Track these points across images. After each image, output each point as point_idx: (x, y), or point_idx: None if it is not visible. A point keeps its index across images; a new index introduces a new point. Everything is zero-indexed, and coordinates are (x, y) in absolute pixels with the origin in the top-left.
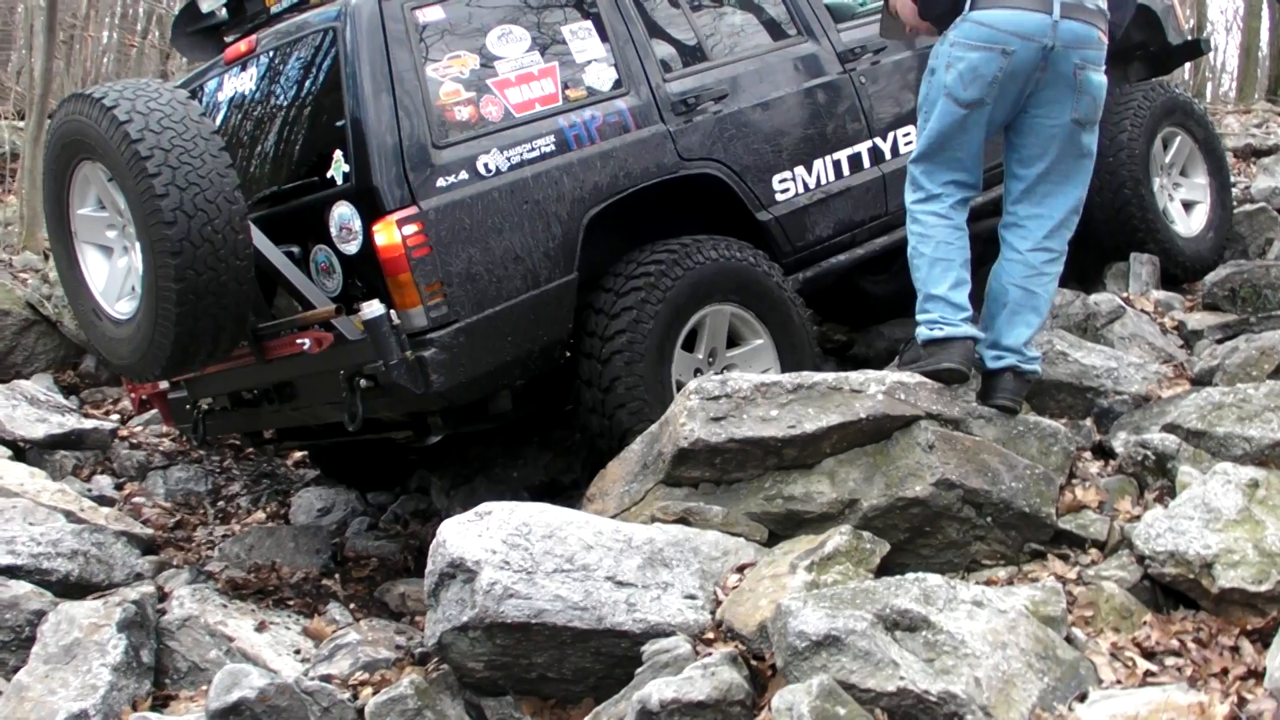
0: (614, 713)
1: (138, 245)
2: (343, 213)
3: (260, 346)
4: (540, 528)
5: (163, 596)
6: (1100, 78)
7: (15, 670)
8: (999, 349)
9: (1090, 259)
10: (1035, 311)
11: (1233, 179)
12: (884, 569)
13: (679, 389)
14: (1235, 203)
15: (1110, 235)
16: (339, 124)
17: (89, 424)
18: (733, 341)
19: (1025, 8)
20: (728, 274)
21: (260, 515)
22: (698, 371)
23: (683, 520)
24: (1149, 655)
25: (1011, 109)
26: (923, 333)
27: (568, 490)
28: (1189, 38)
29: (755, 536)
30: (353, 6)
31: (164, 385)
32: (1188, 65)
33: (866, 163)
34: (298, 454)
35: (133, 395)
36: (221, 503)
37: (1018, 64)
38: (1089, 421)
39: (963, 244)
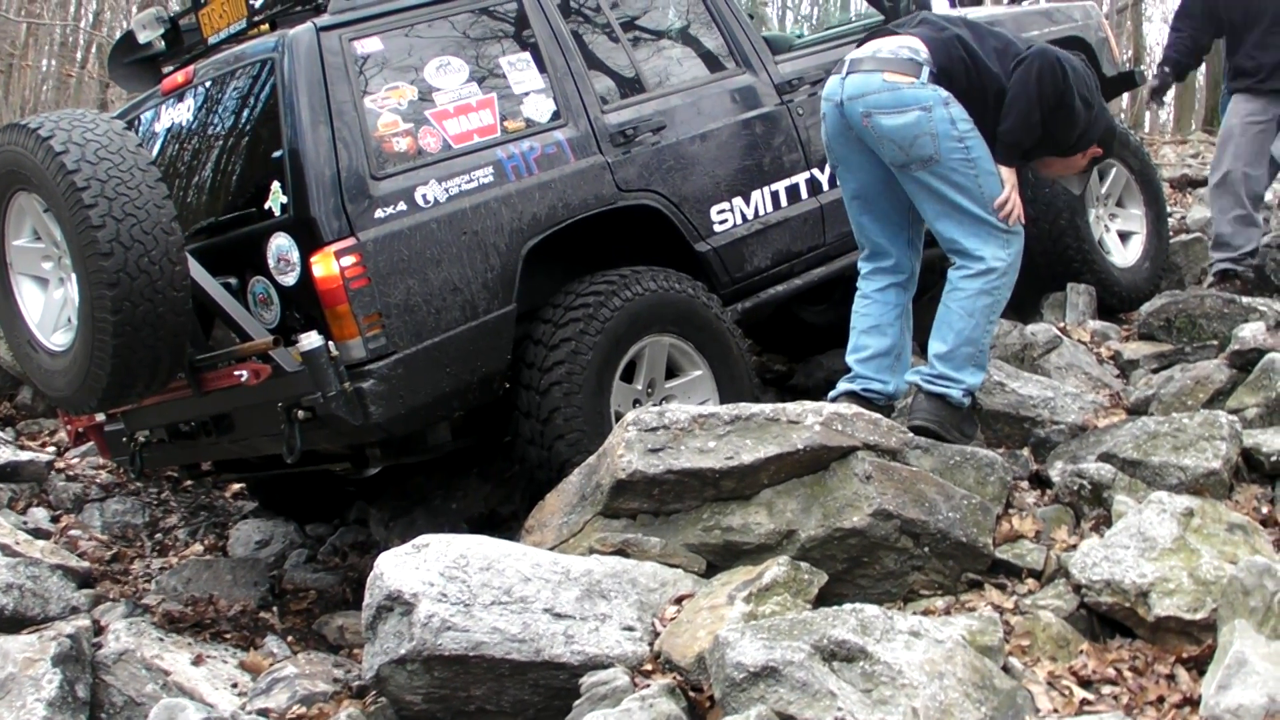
0: None
1: (74, 277)
2: (280, 244)
3: (198, 378)
4: (478, 560)
5: (99, 630)
6: (892, 120)
7: None
8: (923, 368)
9: (1027, 289)
10: (948, 326)
11: (1169, 209)
12: (822, 599)
13: (617, 420)
14: (1171, 233)
15: (1047, 265)
16: (277, 155)
17: (25, 456)
18: (671, 372)
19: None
20: (666, 305)
21: (198, 548)
22: (636, 402)
23: (621, 552)
24: (1086, 684)
25: (862, 170)
26: None
27: (507, 521)
28: (1124, 69)
29: (693, 568)
30: (290, 37)
31: (100, 417)
32: (1125, 96)
33: (804, 194)
34: (236, 485)
35: (69, 427)
36: (159, 535)
37: (827, 125)
38: (1026, 451)
39: (864, 310)
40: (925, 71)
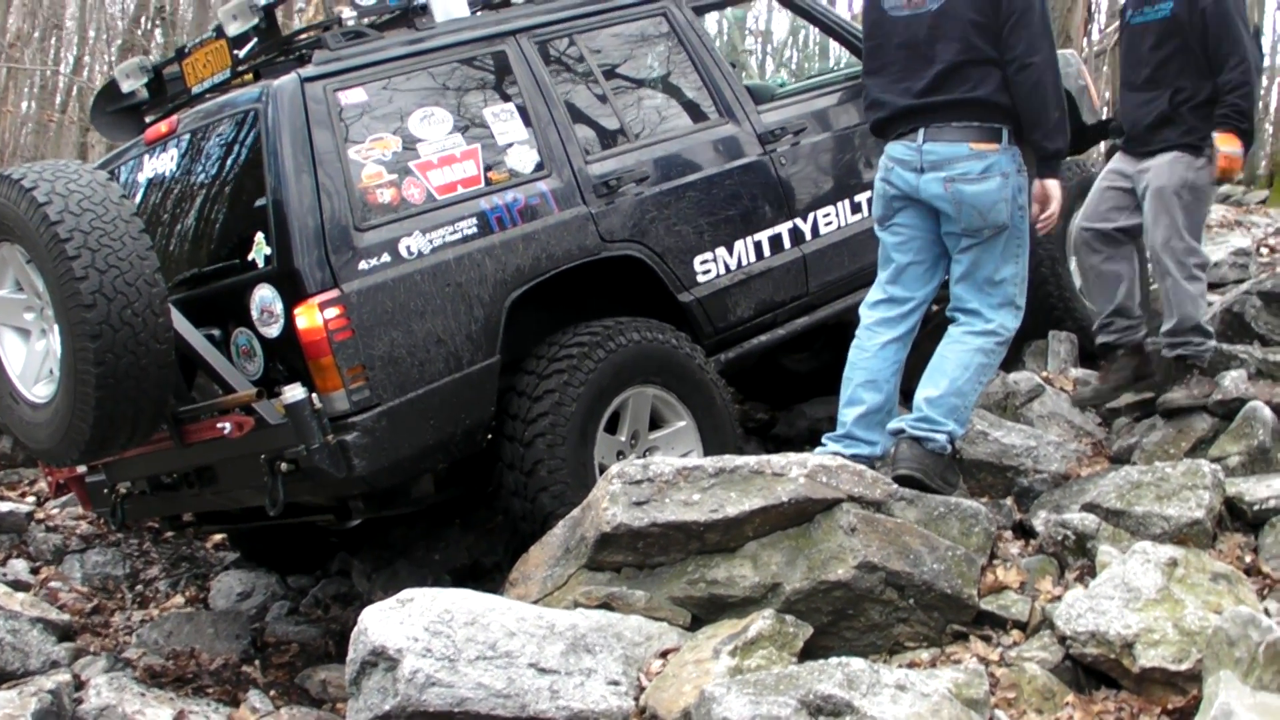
0: None
1: (56, 328)
2: (264, 295)
3: (180, 430)
4: (463, 614)
5: (79, 685)
6: (976, 187)
7: None
8: (907, 416)
9: None
10: (943, 374)
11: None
12: (807, 652)
13: (601, 472)
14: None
15: (1028, 313)
16: (260, 206)
17: (4, 507)
18: (655, 424)
19: None
20: (650, 356)
21: (179, 600)
22: (620, 454)
23: (606, 605)
24: None
25: (913, 225)
26: None
27: (490, 572)
28: (1102, 117)
29: (678, 621)
30: (275, 87)
31: (82, 468)
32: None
33: (787, 243)
34: (217, 536)
35: (50, 478)
36: (140, 587)
37: (893, 183)
38: (1009, 500)
39: (863, 364)
40: (1005, 135)
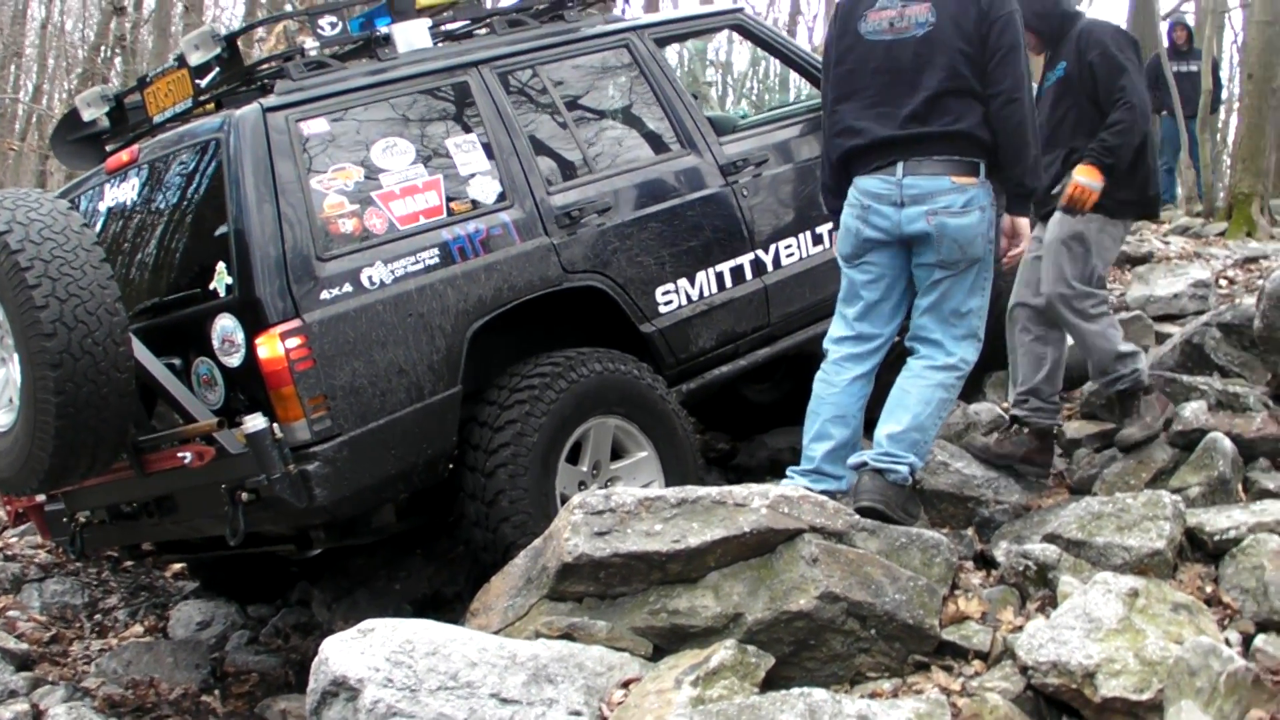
0: None
1: (16, 357)
2: (225, 325)
3: (140, 460)
4: (424, 644)
5: (38, 715)
6: (959, 221)
7: None
8: (869, 451)
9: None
10: (904, 408)
11: (1108, 287)
12: (769, 683)
13: (563, 502)
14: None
15: (989, 344)
16: (222, 235)
17: None
18: (617, 454)
19: None
20: (611, 387)
21: (138, 629)
22: (582, 484)
23: (567, 635)
24: None
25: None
26: None
27: (451, 603)
28: None
29: (640, 651)
30: (236, 117)
31: (41, 497)
32: None
33: (749, 274)
34: (176, 565)
35: (8, 508)
36: (98, 616)
37: (871, 221)
38: (971, 531)
39: (831, 399)
40: (981, 169)
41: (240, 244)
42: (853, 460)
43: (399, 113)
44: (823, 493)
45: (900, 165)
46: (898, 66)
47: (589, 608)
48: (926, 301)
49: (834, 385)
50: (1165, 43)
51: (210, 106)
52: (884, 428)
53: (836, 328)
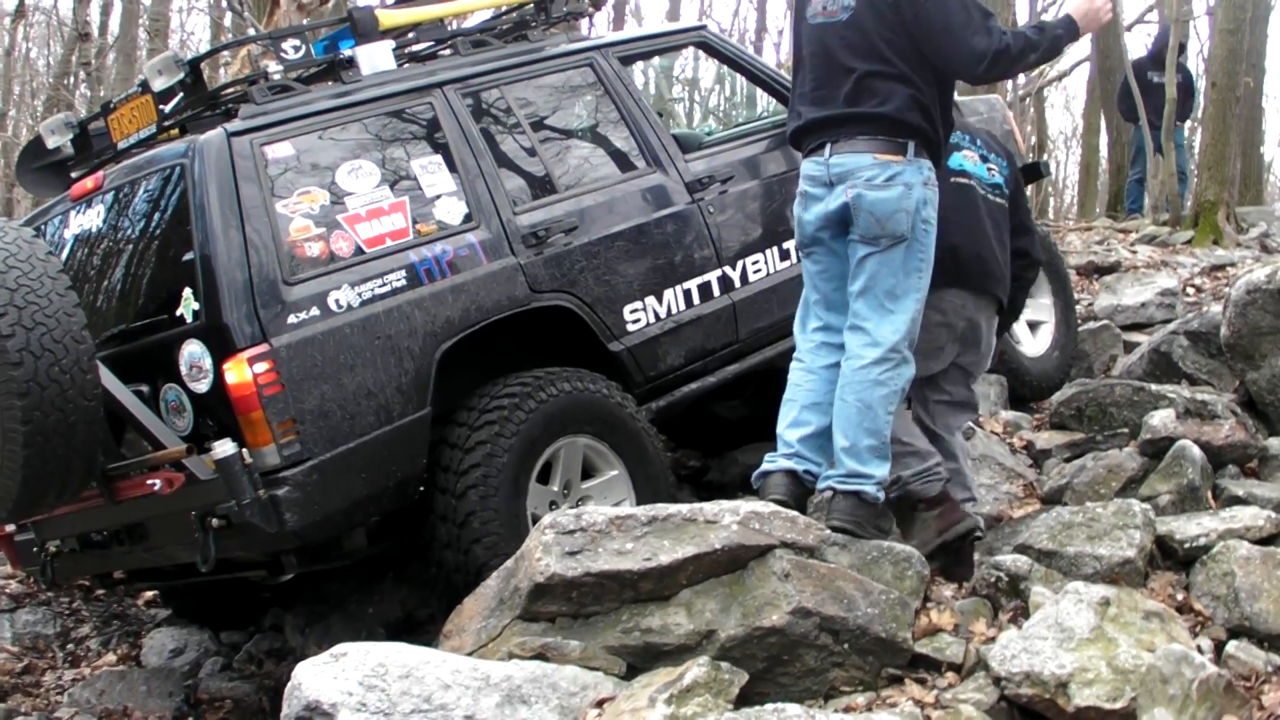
0: None
1: None
2: (193, 351)
3: (110, 487)
4: (397, 668)
5: None
6: (877, 194)
7: None
8: (831, 470)
9: None
10: (848, 420)
11: (1076, 297)
12: (743, 699)
13: (534, 522)
14: (1079, 321)
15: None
16: (188, 261)
17: None
18: (587, 473)
19: None
20: (581, 406)
21: (111, 658)
22: (553, 504)
23: (540, 656)
24: None
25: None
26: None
27: (424, 625)
28: (1029, 160)
29: (614, 670)
30: (201, 142)
31: (10, 527)
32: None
33: (716, 291)
34: (148, 593)
35: None
36: (71, 645)
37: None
38: None
39: (809, 385)
40: (910, 148)
41: (206, 269)
42: (820, 486)
43: (364, 135)
44: (804, 472)
45: (829, 146)
46: (828, 50)
47: (562, 628)
48: (857, 286)
49: (813, 372)
50: (1145, 50)
51: (175, 132)
52: (836, 444)
53: (805, 317)
